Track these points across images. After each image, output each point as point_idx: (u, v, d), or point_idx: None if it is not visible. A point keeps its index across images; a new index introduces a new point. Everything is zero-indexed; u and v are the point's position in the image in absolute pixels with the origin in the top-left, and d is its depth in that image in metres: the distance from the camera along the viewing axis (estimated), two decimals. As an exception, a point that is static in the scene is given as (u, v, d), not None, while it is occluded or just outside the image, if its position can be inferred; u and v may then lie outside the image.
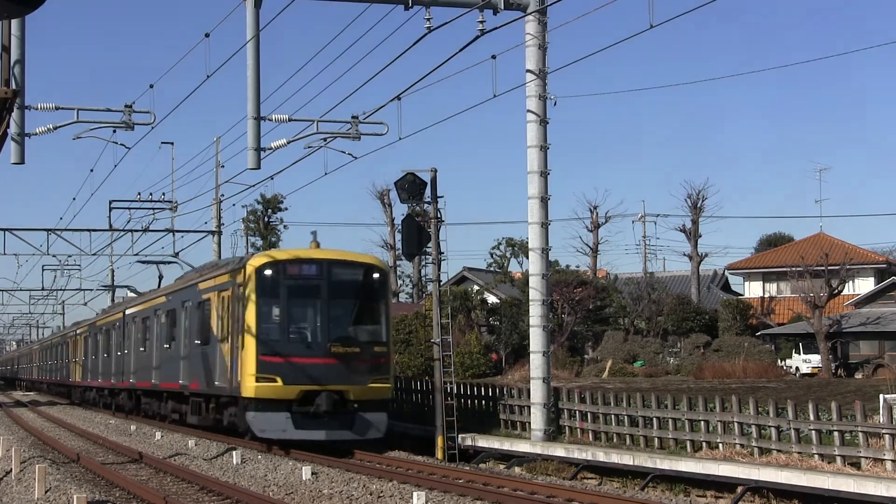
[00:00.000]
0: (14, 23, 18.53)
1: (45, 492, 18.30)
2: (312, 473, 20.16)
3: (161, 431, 33.01)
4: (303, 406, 24.76)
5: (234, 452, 23.94)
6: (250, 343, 24.90)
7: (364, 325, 26.09)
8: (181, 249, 48.01)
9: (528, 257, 26.36)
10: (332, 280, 25.60)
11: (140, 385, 38.49)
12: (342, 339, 25.30)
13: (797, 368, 60.30)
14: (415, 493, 16.52)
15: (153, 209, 45.03)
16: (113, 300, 72.47)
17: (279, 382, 24.68)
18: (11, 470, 21.99)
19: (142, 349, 37.99)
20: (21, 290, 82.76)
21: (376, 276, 26.19)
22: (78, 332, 58.54)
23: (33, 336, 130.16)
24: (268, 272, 25.37)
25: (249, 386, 24.83)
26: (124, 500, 18.17)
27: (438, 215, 28.61)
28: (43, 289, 75.66)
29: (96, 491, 19.10)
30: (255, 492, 17.94)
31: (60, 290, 79.56)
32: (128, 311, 42.07)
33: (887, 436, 19.43)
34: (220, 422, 28.03)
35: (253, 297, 25.19)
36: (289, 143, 26.06)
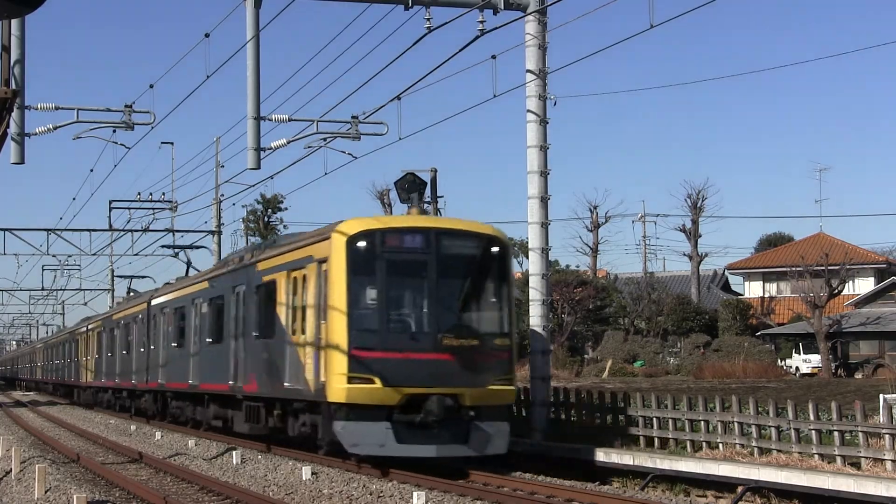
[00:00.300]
0: (14, 23, 18.54)
1: (45, 492, 18.30)
2: (312, 473, 20.16)
3: (161, 431, 33.00)
4: (407, 414, 19.81)
5: (233, 452, 23.92)
6: (340, 334, 19.87)
7: (482, 311, 21.21)
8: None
9: (528, 257, 26.19)
10: (442, 254, 20.56)
11: (172, 386, 33.60)
12: (456, 328, 20.36)
13: (797, 368, 60.36)
14: (415, 493, 16.51)
15: (153, 209, 45.13)
16: (113, 300, 72.48)
17: (377, 384, 19.61)
18: (11, 470, 22.00)
19: (174, 345, 33.27)
20: (21, 290, 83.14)
21: (496, 249, 21.17)
22: (89, 327, 53.78)
23: (33, 336, 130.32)
24: (362, 244, 20.21)
25: (338, 388, 19.76)
26: (124, 500, 18.17)
27: (438, 215, 28.67)
28: (43, 289, 75.92)
29: (96, 491, 19.10)
30: (255, 492, 17.94)
31: (60, 290, 79.78)
32: (154, 302, 36.97)
33: (887, 436, 19.43)
34: (284, 431, 23.47)
35: (343, 275, 20.08)
36: (289, 143, 26.10)
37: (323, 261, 20.79)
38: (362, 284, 20.34)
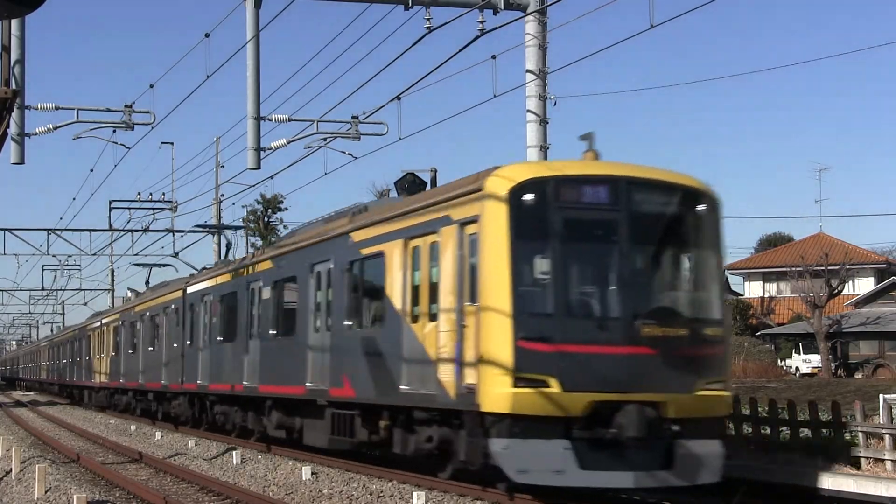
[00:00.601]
0: (14, 23, 18.57)
1: (45, 492, 18.31)
2: (312, 473, 20.15)
3: (161, 431, 33.01)
4: (592, 429, 14.89)
5: (233, 452, 23.92)
6: (499, 319, 14.96)
7: (689, 290, 16.26)
8: (181, 249, 47.97)
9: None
10: (636, 211, 15.55)
11: (217, 388, 28.87)
12: (658, 313, 15.40)
13: (797, 368, 60.43)
14: (415, 493, 16.50)
15: (153, 209, 45.04)
16: (113, 300, 72.51)
17: (553, 388, 14.73)
18: (11, 470, 22.00)
19: (221, 339, 28.61)
20: (21, 290, 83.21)
21: (703, 207, 16.00)
22: (104, 322, 49.48)
23: (34, 336, 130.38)
24: (529, 197, 15.17)
25: (499, 394, 14.81)
26: (124, 500, 18.18)
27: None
28: (43, 289, 75.97)
29: (96, 491, 19.10)
30: (255, 492, 17.94)
31: (60, 290, 79.83)
32: (192, 289, 32.12)
33: (887, 436, 19.41)
34: (386, 445, 19.10)
35: (504, 239, 15.08)
36: (289, 143, 26.08)
37: (468, 222, 15.90)
38: (530, 252, 15.44)
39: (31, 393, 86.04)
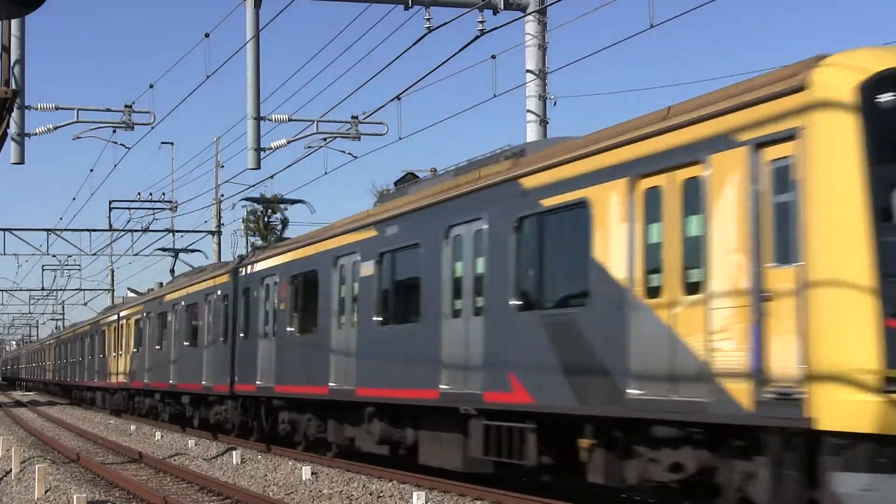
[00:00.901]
0: (14, 23, 18.59)
1: (45, 492, 18.31)
2: (312, 473, 20.15)
3: (161, 431, 32.99)
4: None
5: (233, 452, 23.91)
6: (847, 288, 9.95)
7: None
8: (181, 249, 48.05)
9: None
10: None
11: (287, 390, 23.45)
12: None
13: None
14: (415, 493, 16.49)
15: (153, 209, 45.16)
16: (113, 300, 72.57)
17: None
18: (11, 470, 22.01)
19: (292, 330, 23.38)
20: (21, 290, 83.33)
21: None
22: (122, 314, 44.87)
23: (33, 336, 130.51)
24: (891, 98, 10.18)
25: (853, 403, 9.84)
26: (124, 500, 18.17)
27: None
28: (43, 289, 76.12)
29: (96, 491, 19.10)
30: (255, 492, 17.93)
31: (60, 290, 79.96)
32: (250, 270, 26.58)
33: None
34: (575, 469, 14.18)
35: (853, 165, 10.03)
36: (289, 143, 26.13)
37: (772, 141, 10.76)
38: (894, 184, 10.12)
39: (31, 393, 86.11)
